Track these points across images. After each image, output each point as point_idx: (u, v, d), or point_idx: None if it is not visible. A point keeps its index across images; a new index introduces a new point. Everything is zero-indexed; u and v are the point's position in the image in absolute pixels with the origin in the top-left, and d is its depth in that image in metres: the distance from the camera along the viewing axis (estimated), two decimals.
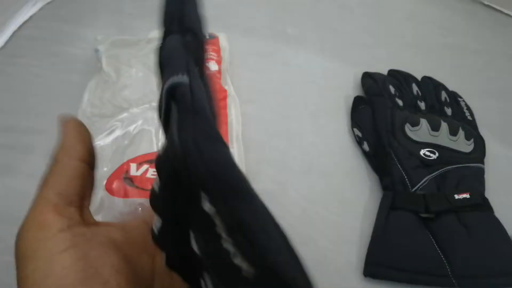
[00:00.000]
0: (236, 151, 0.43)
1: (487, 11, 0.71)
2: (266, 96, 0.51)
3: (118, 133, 0.40)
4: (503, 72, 0.60)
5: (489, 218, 0.41)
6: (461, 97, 0.52)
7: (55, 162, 0.20)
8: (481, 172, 0.44)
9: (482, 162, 0.45)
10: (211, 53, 0.50)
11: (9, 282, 0.33)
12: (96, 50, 0.48)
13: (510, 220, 0.40)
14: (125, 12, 0.59)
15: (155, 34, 0.52)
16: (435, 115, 0.48)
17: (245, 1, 0.64)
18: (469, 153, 0.45)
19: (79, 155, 0.20)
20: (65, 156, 0.20)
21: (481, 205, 0.41)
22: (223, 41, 0.53)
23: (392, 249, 0.38)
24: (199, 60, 0.18)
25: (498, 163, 0.47)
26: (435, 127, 0.46)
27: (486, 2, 0.71)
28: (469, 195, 0.41)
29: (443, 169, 0.43)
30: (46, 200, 0.18)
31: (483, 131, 0.49)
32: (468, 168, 0.44)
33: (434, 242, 0.38)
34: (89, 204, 0.21)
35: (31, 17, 0.56)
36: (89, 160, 0.21)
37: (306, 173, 0.45)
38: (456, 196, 0.41)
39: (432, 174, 0.43)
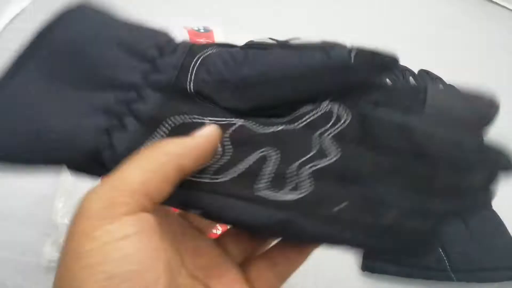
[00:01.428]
0: None
1: (485, 4, 0.70)
2: None
3: None
4: (501, 65, 0.60)
5: (488, 213, 0.40)
6: None
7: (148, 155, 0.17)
8: None
9: None
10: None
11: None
12: None
13: (508, 214, 0.40)
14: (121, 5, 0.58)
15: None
16: None
17: None
18: None
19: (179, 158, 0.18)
20: (161, 154, 0.17)
21: None
22: (218, 35, 0.53)
23: None
24: None
25: None
26: None
27: None
28: None
29: None
30: (125, 183, 0.16)
31: None
32: None
33: None
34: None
35: (23, 9, 0.55)
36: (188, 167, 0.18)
37: None
38: None
39: None
